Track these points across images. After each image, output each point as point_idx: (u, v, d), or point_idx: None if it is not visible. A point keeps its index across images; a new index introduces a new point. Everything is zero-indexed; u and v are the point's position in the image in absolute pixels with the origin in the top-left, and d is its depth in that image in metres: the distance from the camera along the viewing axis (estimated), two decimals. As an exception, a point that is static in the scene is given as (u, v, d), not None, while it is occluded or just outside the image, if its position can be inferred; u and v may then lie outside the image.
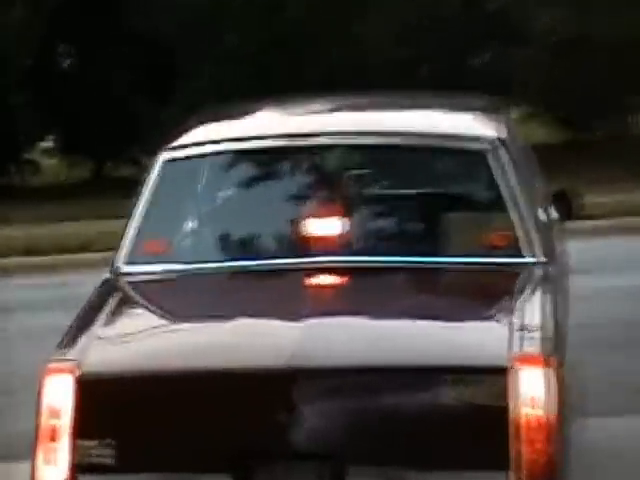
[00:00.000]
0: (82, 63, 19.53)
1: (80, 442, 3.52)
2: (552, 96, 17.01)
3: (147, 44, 17.58)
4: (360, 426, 3.48)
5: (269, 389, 3.48)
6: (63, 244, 12.90)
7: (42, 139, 20.25)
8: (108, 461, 3.55)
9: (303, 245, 4.28)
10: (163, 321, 4.28)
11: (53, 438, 3.57)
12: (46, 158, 20.61)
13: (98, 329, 3.88)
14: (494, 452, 3.36)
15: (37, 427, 3.59)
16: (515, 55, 17.05)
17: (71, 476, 3.51)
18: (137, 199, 4.44)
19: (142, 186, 4.47)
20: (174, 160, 4.51)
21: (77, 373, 3.56)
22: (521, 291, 4.03)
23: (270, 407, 3.46)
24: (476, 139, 4.52)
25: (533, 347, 3.53)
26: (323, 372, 3.55)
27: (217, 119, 4.99)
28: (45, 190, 18.44)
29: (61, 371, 3.63)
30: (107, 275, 4.31)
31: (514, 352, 3.47)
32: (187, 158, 4.58)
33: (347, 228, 4.29)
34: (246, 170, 4.69)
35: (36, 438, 3.59)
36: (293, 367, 3.44)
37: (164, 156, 4.50)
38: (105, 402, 3.60)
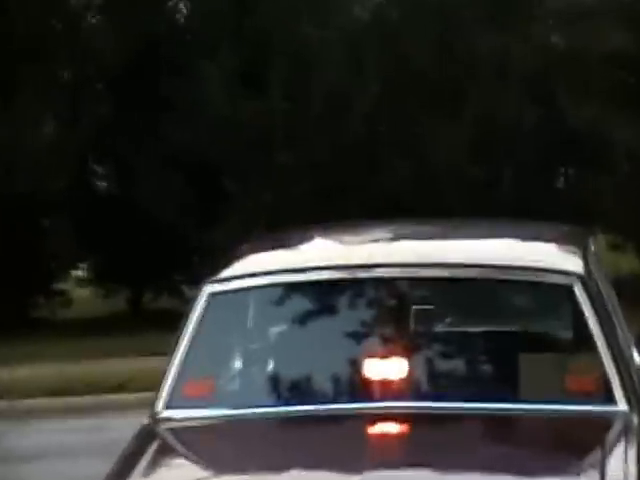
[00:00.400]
0: (120, 185, 19.33)
1: None
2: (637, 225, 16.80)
3: (191, 165, 17.26)
4: None
5: None
6: (97, 383, 12.54)
7: (75, 267, 20.02)
8: None
9: (363, 389, 4.09)
10: (205, 474, 3.93)
11: None
12: (78, 288, 20.20)
13: None
14: None
15: None
16: (597, 179, 16.83)
17: None
18: (179, 335, 4.26)
19: (185, 320, 4.27)
20: (221, 293, 4.32)
21: None
22: (615, 445, 3.66)
23: None
24: (562, 272, 4.26)
25: None
26: None
27: (268, 247, 4.91)
28: (77, 324, 18.05)
29: None
30: (146, 420, 4.10)
31: None
32: (235, 291, 4.39)
33: (412, 370, 4.06)
34: (300, 305, 4.45)
35: None
36: None
37: (209, 288, 4.32)
38: None
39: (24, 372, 13.15)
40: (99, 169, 20.51)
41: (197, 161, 17.18)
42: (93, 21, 20.46)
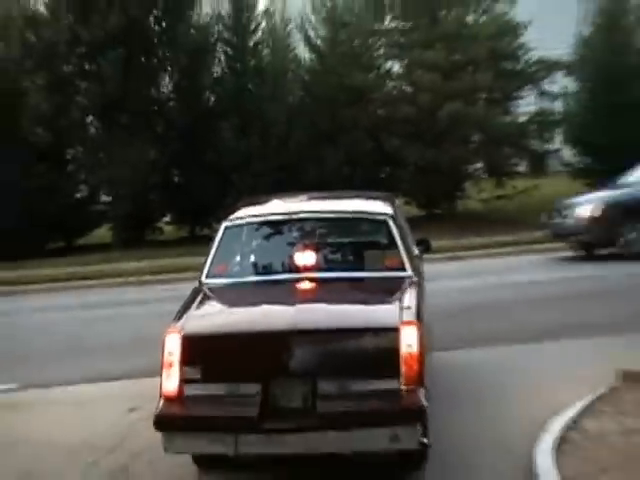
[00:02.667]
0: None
1: (184, 368, 5.41)
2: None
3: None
4: (321, 361, 5.46)
5: (279, 341, 5.48)
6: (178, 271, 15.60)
7: (164, 215, 22.21)
8: (197, 377, 5.43)
9: (295, 267, 6.68)
10: (224, 307, 6.62)
11: (170, 366, 5.45)
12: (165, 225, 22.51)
13: (192, 311, 5.98)
14: (392, 371, 5.30)
15: (162, 360, 5.49)
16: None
17: (180, 385, 5.41)
18: (210, 245, 6.97)
19: (213, 239, 7.04)
20: (229, 226, 7.07)
21: (181, 333, 5.49)
22: (404, 289, 6.20)
23: (278, 350, 5.38)
24: (382, 214, 7.08)
25: (410, 317, 5.55)
26: (303, 332, 5.51)
27: (251, 205, 7.64)
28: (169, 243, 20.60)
29: (174, 332, 5.54)
30: (196, 284, 6.74)
31: (404, 318, 5.48)
32: (236, 225, 7.10)
33: (316, 259, 6.66)
34: (265, 231, 7.26)
35: (162, 366, 5.48)
36: (290, 329, 5.49)
37: (225, 224, 7.08)
38: (195, 348, 5.53)
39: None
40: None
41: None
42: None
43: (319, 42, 21.78)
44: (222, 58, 21.16)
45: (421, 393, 5.33)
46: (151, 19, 20.10)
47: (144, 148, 18.93)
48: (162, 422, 5.40)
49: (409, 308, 5.74)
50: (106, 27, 18.73)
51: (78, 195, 20.53)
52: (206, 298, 6.38)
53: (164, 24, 20.21)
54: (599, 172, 22.27)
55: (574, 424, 6.53)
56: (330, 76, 20.93)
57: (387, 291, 6.33)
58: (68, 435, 7.10)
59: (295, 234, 7.03)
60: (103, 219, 20.81)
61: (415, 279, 6.54)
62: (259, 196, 8.46)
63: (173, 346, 5.46)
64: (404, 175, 20.35)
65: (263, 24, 21.51)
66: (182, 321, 5.74)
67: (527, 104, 22.18)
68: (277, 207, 7.68)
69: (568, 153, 23.67)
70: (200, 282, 6.66)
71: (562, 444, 6.12)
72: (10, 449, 6.88)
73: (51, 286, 15.58)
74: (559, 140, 23.31)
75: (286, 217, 7.19)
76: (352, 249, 7.20)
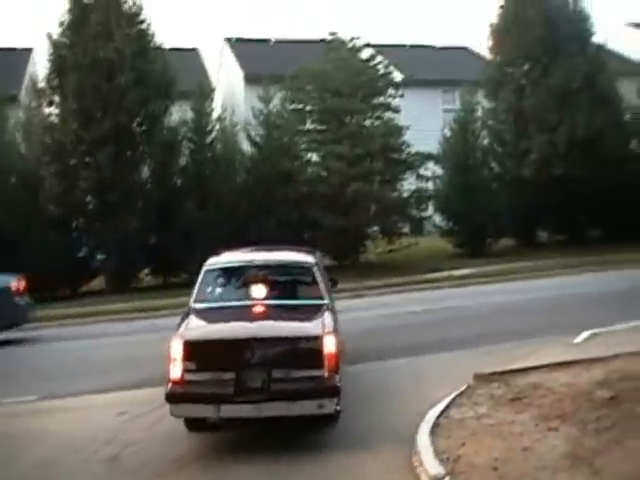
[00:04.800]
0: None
1: (184, 362, 6.21)
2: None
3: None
4: (273, 357, 6.28)
5: (245, 345, 6.29)
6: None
7: (144, 268, 20.74)
8: (193, 368, 6.21)
9: (251, 297, 7.19)
10: (208, 322, 7.09)
11: (175, 361, 6.24)
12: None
13: (187, 324, 6.73)
14: (318, 363, 6.18)
15: (169, 357, 6.28)
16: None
17: (182, 373, 6.19)
18: (195, 282, 7.54)
19: (197, 278, 7.59)
20: (209, 270, 7.63)
21: (182, 339, 6.32)
22: (323, 311, 6.98)
23: (245, 350, 6.25)
24: (308, 262, 7.75)
25: (329, 329, 6.45)
26: (259, 339, 6.36)
27: (220, 255, 8.09)
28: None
29: (178, 338, 6.33)
30: (187, 308, 7.30)
31: (325, 330, 6.41)
32: (213, 269, 7.66)
33: (264, 291, 7.20)
34: (232, 272, 7.76)
35: (169, 361, 6.29)
36: (252, 337, 6.38)
37: (205, 268, 7.64)
38: (191, 349, 6.26)
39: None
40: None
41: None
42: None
43: (258, 139, 21.99)
44: (187, 152, 21.15)
45: (337, 378, 6.24)
46: (135, 124, 19.95)
47: (129, 218, 18.78)
48: (171, 397, 6.25)
49: (328, 323, 6.62)
50: (101, 130, 18.76)
51: (80, 254, 20.21)
52: (195, 316, 7.00)
53: (144, 127, 20.16)
54: (457, 231, 23.01)
55: (443, 413, 6.76)
56: (266, 163, 21.08)
57: (312, 312, 6.96)
58: (76, 433, 7.07)
59: (252, 274, 7.56)
60: (98, 272, 20.38)
61: (330, 305, 7.28)
62: (224, 250, 8.68)
63: (177, 348, 6.26)
64: (321, 236, 20.56)
65: (217, 126, 21.63)
66: (181, 331, 6.52)
67: (408, 184, 22.63)
68: (238, 257, 8.22)
69: (438, 219, 24.21)
70: (189, 306, 7.28)
71: (434, 428, 6.34)
72: (32, 445, 6.81)
73: (61, 322, 15.39)
74: (431, 209, 23.86)
75: (245, 264, 7.87)
76: (289, 285, 7.81)
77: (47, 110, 20.21)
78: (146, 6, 20.34)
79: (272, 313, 7.05)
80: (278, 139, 21.56)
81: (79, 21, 19.35)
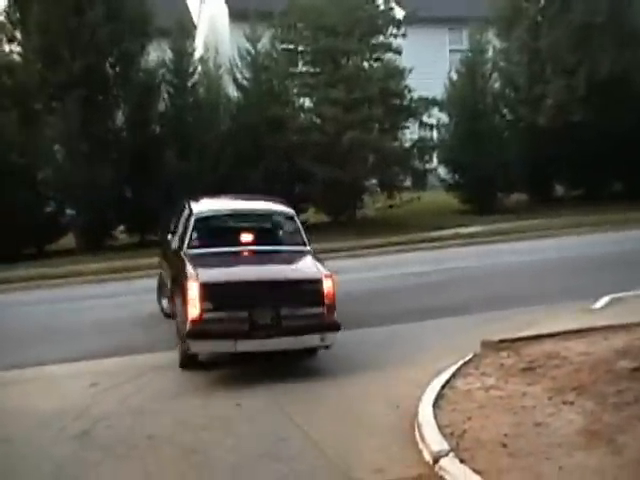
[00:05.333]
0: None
1: (202, 302, 7.33)
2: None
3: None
4: (280, 297, 7.57)
5: (256, 287, 7.61)
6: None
7: (119, 225, 20.45)
8: (210, 307, 7.37)
9: (240, 242, 8.59)
10: (213, 266, 8.16)
11: (194, 301, 7.36)
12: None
13: (198, 268, 7.77)
14: (319, 302, 7.58)
15: (187, 299, 7.41)
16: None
17: (200, 313, 7.32)
18: (186, 228, 8.90)
19: (187, 224, 8.92)
20: (199, 218, 8.88)
21: (198, 281, 7.45)
22: (312, 257, 8.43)
23: (256, 291, 7.54)
24: (290, 212, 9.27)
25: (326, 271, 7.82)
26: (267, 282, 7.72)
27: (205, 202, 9.58)
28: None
29: (194, 281, 7.46)
30: (179, 253, 8.60)
31: (322, 273, 7.76)
32: (203, 218, 8.95)
33: (252, 238, 8.65)
34: (221, 220, 9.24)
35: (187, 303, 7.42)
36: (261, 279, 7.75)
37: (195, 216, 8.87)
38: (208, 290, 7.40)
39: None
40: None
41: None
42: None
43: (245, 82, 21.66)
44: (166, 96, 20.83)
45: (335, 315, 7.59)
46: (107, 65, 19.63)
47: (102, 170, 18.56)
48: (192, 334, 7.35)
49: (322, 267, 7.91)
50: (69, 71, 18.42)
51: (48, 209, 19.99)
52: (196, 261, 8.02)
53: (117, 69, 19.82)
54: (464, 185, 22.85)
55: (447, 384, 6.71)
56: (253, 109, 20.86)
57: (303, 257, 8.38)
58: (40, 407, 7.00)
59: (239, 222, 9.09)
60: (68, 229, 20.02)
61: (313, 252, 8.58)
62: (201, 197, 9.83)
63: (194, 290, 7.33)
64: (314, 189, 20.43)
65: (199, 68, 21.27)
66: (196, 274, 7.55)
67: (411, 133, 22.42)
68: (224, 205, 9.65)
69: (442, 171, 24.02)
70: (182, 251, 8.44)
71: (438, 400, 6.29)
72: None
73: (25, 285, 15.20)
74: (435, 161, 23.62)
75: (233, 212, 9.39)
76: (274, 232, 9.25)
77: (7, 48, 19.78)
78: None
79: (270, 258, 8.41)
80: (267, 82, 21.27)
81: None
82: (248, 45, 21.43)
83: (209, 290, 7.36)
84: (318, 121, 21.23)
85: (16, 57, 19.60)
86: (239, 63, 21.67)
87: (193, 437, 6.06)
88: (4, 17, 19.49)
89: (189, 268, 7.80)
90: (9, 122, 18.65)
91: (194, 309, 7.29)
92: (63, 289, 14.57)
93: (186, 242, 8.50)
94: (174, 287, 8.47)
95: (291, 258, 8.42)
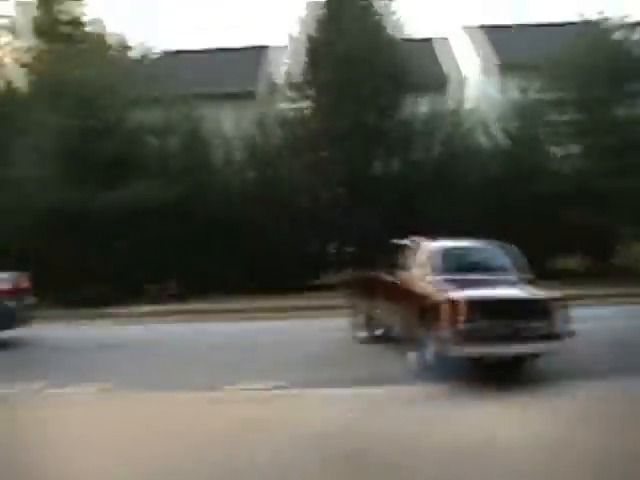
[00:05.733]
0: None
1: (466, 315, 8.63)
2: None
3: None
4: (520, 312, 9.04)
5: (507, 303, 9.19)
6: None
7: None
8: (472, 319, 8.74)
9: (473, 271, 10.22)
10: (459, 287, 9.24)
11: (456, 315, 8.73)
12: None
13: (451, 290, 9.09)
14: (548, 317, 8.92)
15: (448, 314, 8.66)
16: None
17: (463, 323, 8.67)
18: (427, 260, 10.29)
19: (429, 257, 10.32)
20: (438, 251, 10.53)
21: (459, 299, 8.79)
22: (531, 283, 9.86)
23: (507, 307, 9.05)
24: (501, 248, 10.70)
25: (556, 294, 9.26)
26: (514, 299, 9.36)
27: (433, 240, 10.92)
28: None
29: (458, 298, 8.80)
30: (420, 278, 10.07)
31: (550, 296, 9.20)
32: (442, 251, 10.58)
33: (480, 267, 10.41)
34: (454, 255, 10.55)
35: (446, 317, 8.71)
36: (511, 298, 9.45)
37: (436, 250, 10.55)
38: (470, 306, 8.69)
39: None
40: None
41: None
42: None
43: (512, 131, 21.66)
44: (434, 144, 21.41)
45: (558, 327, 8.97)
46: (380, 116, 20.78)
47: (374, 212, 19.56)
48: (457, 340, 8.60)
49: (545, 291, 9.30)
50: (349, 123, 19.86)
51: (327, 246, 21.52)
52: (445, 284, 9.37)
53: (391, 119, 20.96)
54: None
55: None
56: (519, 155, 20.92)
57: (529, 283, 9.77)
58: (311, 425, 7.39)
59: (469, 254, 10.64)
60: (344, 264, 20.49)
61: (532, 279, 9.97)
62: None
63: (459, 305, 8.66)
64: (571, 235, 19.86)
65: (468, 118, 21.70)
66: (454, 294, 8.87)
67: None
68: (454, 244, 10.87)
69: None
70: (428, 277, 9.87)
71: None
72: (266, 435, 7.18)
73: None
74: None
75: (462, 249, 10.81)
76: (494, 264, 10.40)
77: (300, 105, 21.75)
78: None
79: (504, 283, 9.65)
80: (533, 130, 21.13)
81: (332, 16, 20.62)
82: (514, 94, 21.50)
83: (471, 305, 8.69)
84: (580, 166, 20.68)
85: (307, 112, 21.56)
86: (507, 112, 21.80)
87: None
88: (296, 78, 21.64)
89: (440, 288, 9.23)
90: (300, 167, 20.47)
91: (458, 321, 8.59)
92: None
93: (429, 269, 9.98)
94: (418, 308, 9.55)
95: (525, 283, 9.74)
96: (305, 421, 7.53)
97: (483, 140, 21.50)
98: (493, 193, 20.34)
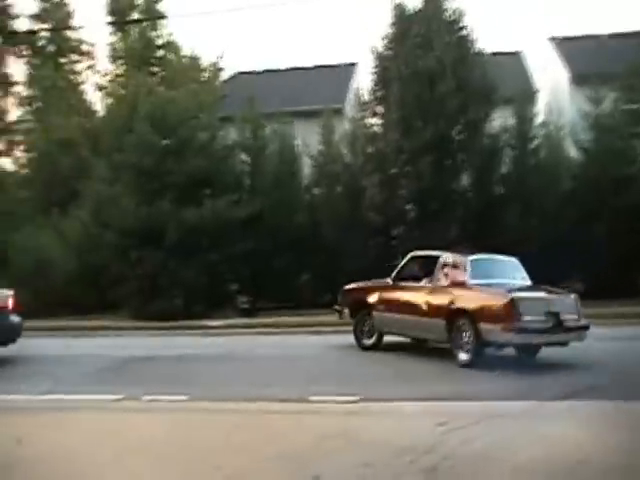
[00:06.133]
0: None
1: (517, 309, 10.15)
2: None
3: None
4: (558, 307, 10.64)
5: (546, 300, 10.71)
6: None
7: None
8: (522, 313, 10.26)
9: (498, 277, 11.57)
10: (502, 289, 10.82)
11: (510, 311, 10.18)
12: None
13: (499, 290, 10.82)
14: (578, 312, 10.80)
15: (502, 310, 10.22)
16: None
17: (516, 319, 10.16)
18: (465, 269, 11.29)
19: (466, 267, 11.34)
20: (474, 260, 11.52)
21: (510, 297, 10.26)
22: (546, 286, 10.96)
23: (546, 304, 10.51)
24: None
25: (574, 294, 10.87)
26: (552, 297, 10.92)
27: (472, 252, 11.75)
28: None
29: (508, 298, 10.26)
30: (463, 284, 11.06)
31: (575, 294, 11.01)
32: (478, 260, 11.59)
33: (507, 273, 11.68)
34: (486, 264, 11.67)
35: (500, 313, 10.20)
36: (549, 296, 10.96)
37: (472, 259, 11.43)
38: (517, 303, 10.18)
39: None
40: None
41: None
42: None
43: (586, 144, 20.98)
44: (508, 159, 20.96)
45: (584, 320, 10.82)
46: (454, 132, 20.28)
47: (448, 227, 19.13)
48: (511, 329, 9.90)
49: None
50: (422, 139, 19.38)
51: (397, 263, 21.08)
52: (492, 288, 10.70)
53: (464, 135, 20.43)
54: None
55: None
56: (595, 169, 20.08)
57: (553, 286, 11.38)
58: (395, 439, 7.25)
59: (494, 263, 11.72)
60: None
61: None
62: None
63: (509, 304, 9.97)
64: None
65: (541, 131, 21.09)
66: (505, 294, 10.21)
67: None
68: (486, 255, 11.74)
69: None
70: (468, 282, 10.94)
71: None
72: (354, 448, 7.05)
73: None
74: None
75: (493, 258, 11.79)
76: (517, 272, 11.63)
77: (371, 121, 21.43)
78: (468, 12, 20.88)
79: (532, 287, 11.01)
80: (609, 143, 20.32)
81: (402, 33, 20.30)
82: (589, 107, 20.77)
83: (518, 302, 10.04)
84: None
85: (378, 129, 21.17)
86: (580, 125, 21.07)
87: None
88: (369, 95, 21.25)
89: (484, 290, 10.60)
90: (371, 185, 20.14)
91: (513, 316, 9.88)
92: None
93: (467, 275, 11.01)
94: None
95: (547, 286, 11.05)
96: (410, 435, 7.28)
97: (572, 151, 20.76)
98: (586, 203, 19.74)
